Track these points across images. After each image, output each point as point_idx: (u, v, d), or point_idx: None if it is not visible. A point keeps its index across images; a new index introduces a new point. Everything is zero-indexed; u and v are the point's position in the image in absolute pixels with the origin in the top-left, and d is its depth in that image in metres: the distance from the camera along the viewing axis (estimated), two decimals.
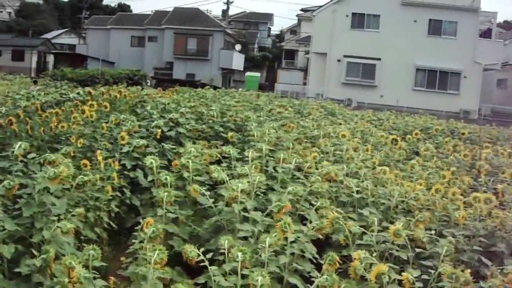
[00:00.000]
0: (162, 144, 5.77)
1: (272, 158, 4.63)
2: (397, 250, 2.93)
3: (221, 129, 7.26)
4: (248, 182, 3.41)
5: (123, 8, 71.85)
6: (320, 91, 30.21)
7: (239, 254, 2.33)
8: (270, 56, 53.30)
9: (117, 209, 4.42)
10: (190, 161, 4.14)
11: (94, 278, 2.28)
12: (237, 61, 43.16)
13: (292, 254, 2.67)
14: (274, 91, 30.86)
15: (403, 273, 2.42)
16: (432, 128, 9.90)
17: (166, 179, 3.81)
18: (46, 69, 37.37)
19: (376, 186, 4.22)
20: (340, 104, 17.20)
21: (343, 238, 2.94)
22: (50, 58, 45.78)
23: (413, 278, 2.40)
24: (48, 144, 5.94)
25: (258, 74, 40.52)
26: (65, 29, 58.09)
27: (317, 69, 31.36)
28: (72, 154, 4.55)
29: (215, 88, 22.97)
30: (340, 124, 9.20)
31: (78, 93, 10.00)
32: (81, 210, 3.47)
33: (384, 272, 2.30)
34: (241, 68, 44.59)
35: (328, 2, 31.79)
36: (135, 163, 5.20)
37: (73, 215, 3.31)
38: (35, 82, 18.39)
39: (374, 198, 3.87)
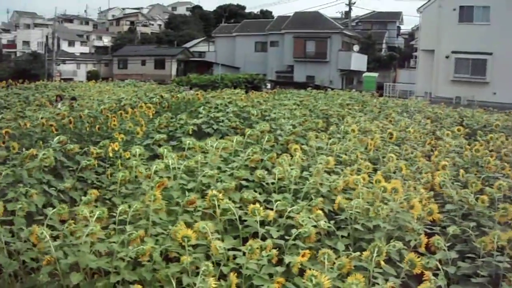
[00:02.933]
0: (181, 138, 6.74)
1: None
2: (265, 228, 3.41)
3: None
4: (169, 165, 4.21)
5: (265, 14, 73.91)
6: (428, 89, 29.07)
7: (97, 212, 3.17)
8: (397, 55, 51.81)
9: None
10: (165, 150, 5.06)
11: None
12: (357, 61, 42.85)
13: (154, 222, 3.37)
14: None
15: (213, 242, 2.95)
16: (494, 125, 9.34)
17: (133, 163, 4.78)
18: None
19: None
20: (430, 103, 16.50)
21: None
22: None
23: (222, 247, 2.92)
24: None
25: (375, 74, 39.84)
26: (202, 38, 62.73)
27: (425, 67, 30.11)
28: (112, 146, 5.79)
29: (327, 89, 23.56)
30: (390, 120, 9.24)
31: (161, 96, 11.51)
32: (68, 185, 4.63)
33: (188, 236, 2.89)
34: (364, 69, 44.15)
35: None
36: (153, 153, 6.26)
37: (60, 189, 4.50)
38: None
39: (297, 186, 4.30)
